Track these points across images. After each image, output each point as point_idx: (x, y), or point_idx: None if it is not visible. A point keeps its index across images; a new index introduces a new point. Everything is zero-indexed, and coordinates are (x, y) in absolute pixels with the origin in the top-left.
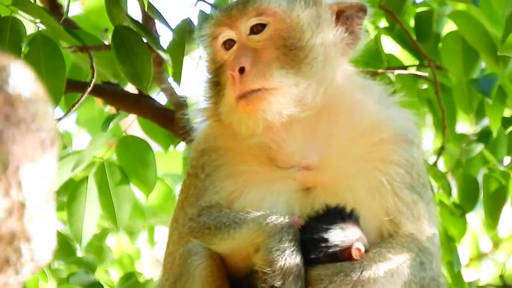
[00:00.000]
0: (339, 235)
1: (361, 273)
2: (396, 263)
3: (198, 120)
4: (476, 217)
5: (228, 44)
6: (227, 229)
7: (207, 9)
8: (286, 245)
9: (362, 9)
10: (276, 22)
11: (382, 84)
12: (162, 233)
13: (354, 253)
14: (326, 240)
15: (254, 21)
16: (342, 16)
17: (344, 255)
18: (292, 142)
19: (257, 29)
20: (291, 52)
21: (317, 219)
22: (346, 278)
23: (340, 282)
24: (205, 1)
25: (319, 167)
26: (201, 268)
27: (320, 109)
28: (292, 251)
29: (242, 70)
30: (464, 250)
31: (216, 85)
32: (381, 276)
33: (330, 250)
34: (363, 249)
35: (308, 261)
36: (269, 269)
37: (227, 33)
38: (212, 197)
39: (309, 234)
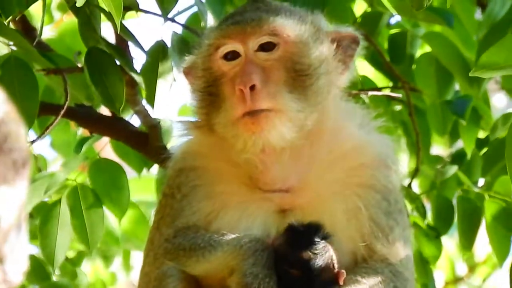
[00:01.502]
0: (322, 256)
1: None
2: None
3: (180, 133)
4: (451, 240)
5: (230, 55)
6: (202, 251)
7: (179, 30)
8: (260, 268)
9: (356, 41)
10: (288, 44)
11: (364, 108)
12: (138, 258)
13: (341, 279)
14: (308, 261)
15: (265, 39)
16: (337, 46)
17: (326, 277)
18: (279, 166)
19: (266, 47)
20: (299, 78)
21: (294, 237)
22: None
23: None
24: (178, 23)
25: (298, 190)
26: None
27: (306, 133)
28: (265, 275)
29: (252, 87)
30: (440, 273)
31: (210, 95)
32: None
33: (312, 272)
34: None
35: (286, 282)
36: None
37: (233, 46)
38: (188, 218)
39: (289, 254)
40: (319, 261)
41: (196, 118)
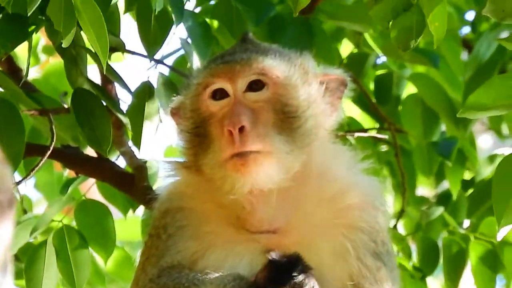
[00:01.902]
0: None
1: None
2: None
3: (166, 174)
4: (436, 281)
5: (218, 95)
6: None
7: (166, 72)
8: None
9: (344, 83)
10: (276, 86)
11: (352, 150)
12: None
13: None
14: None
15: (254, 77)
16: (325, 88)
17: None
18: (266, 208)
19: (255, 86)
20: (288, 120)
21: (274, 271)
22: None
23: None
24: (165, 64)
25: (285, 231)
26: None
27: (294, 175)
28: None
29: (241, 128)
30: None
31: (198, 136)
32: None
33: None
34: None
35: None
36: None
37: (221, 84)
38: (173, 257)
39: None
40: None
41: (183, 158)
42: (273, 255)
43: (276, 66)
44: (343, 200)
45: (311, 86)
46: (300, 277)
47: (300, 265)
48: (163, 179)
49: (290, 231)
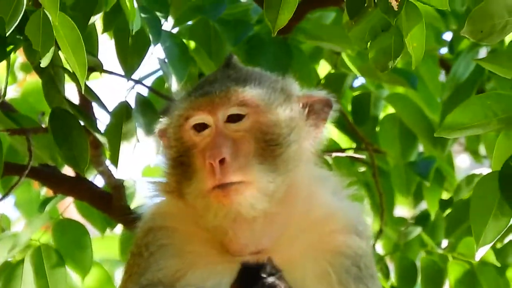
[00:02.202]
0: None
1: None
2: None
3: (150, 194)
4: None
5: (200, 126)
6: None
7: (145, 92)
8: None
9: (328, 104)
10: (257, 114)
11: (337, 176)
12: None
13: None
14: None
15: (234, 110)
16: (309, 110)
17: None
18: (250, 234)
19: (235, 118)
20: (269, 148)
21: (244, 275)
22: None
23: None
24: (143, 84)
25: (269, 252)
26: None
27: (279, 200)
28: None
29: (222, 160)
30: None
31: (182, 165)
32: None
33: None
34: None
35: None
36: None
37: (202, 117)
38: (154, 275)
39: None
40: None
41: (165, 181)
42: (244, 261)
43: (256, 95)
44: (328, 226)
45: (293, 110)
46: (270, 279)
47: (269, 268)
48: (147, 199)
49: (274, 252)
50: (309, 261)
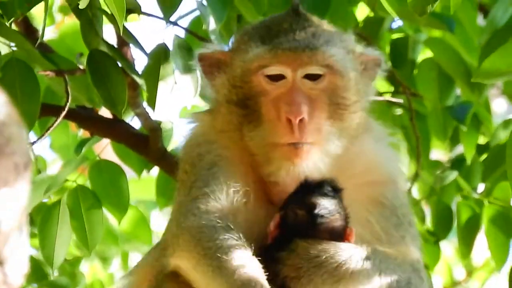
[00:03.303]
0: (331, 203)
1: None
2: (388, 267)
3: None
4: (449, 245)
5: (275, 76)
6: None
7: (182, 34)
8: None
9: (379, 64)
10: (334, 76)
11: (380, 124)
12: (136, 259)
13: (350, 236)
14: (316, 204)
15: (316, 70)
16: (363, 68)
17: (332, 227)
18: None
19: (313, 76)
20: (340, 111)
21: (307, 185)
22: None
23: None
24: (180, 26)
25: None
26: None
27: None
28: None
29: (300, 119)
30: (438, 278)
31: (245, 107)
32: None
33: (317, 215)
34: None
35: (291, 224)
36: None
37: (281, 69)
38: (219, 197)
39: (299, 196)
40: (327, 206)
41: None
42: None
43: (337, 59)
44: (369, 176)
45: (357, 70)
46: (331, 193)
47: (333, 184)
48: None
49: None
50: (352, 210)
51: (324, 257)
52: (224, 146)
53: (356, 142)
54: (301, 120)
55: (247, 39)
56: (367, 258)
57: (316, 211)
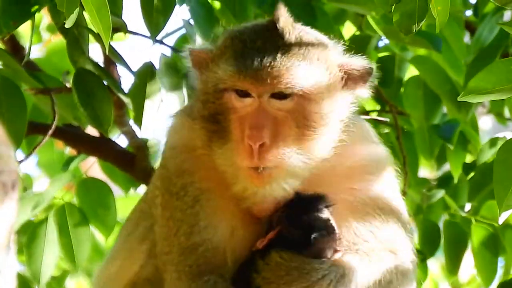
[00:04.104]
0: (324, 219)
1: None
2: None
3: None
4: (435, 262)
5: (243, 92)
6: None
7: (168, 52)
8: None
9: (368, 73)
10: (302, 98)
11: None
12: None
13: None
14: (311, 222)
15: (281, 89)
16: (348, 77)
17: (324, 244)
18: (275, 201)
19: (280, 95)
20: (308, 132)
21: (299, 202)
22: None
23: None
24: (166, 44)
25: None
26: None
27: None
28: None
29: (261, 144)
30: None
31: (216, 122)
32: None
33: (311, 232)
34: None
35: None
36: None
37: (247, 88)
38: (204, 235)
39: (292, 215)
40: (321, 224)
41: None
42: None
43: (305, 82)
44: (352, 178)
45: (334, 82)
46: (324, 212)
47: (324, 201)
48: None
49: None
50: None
51: (296, 275)
52: (204, 177)
53: (338, 147)
54: (262, 145)
55: (225, 49)
56: (342, 276)
57: (313, 234)
